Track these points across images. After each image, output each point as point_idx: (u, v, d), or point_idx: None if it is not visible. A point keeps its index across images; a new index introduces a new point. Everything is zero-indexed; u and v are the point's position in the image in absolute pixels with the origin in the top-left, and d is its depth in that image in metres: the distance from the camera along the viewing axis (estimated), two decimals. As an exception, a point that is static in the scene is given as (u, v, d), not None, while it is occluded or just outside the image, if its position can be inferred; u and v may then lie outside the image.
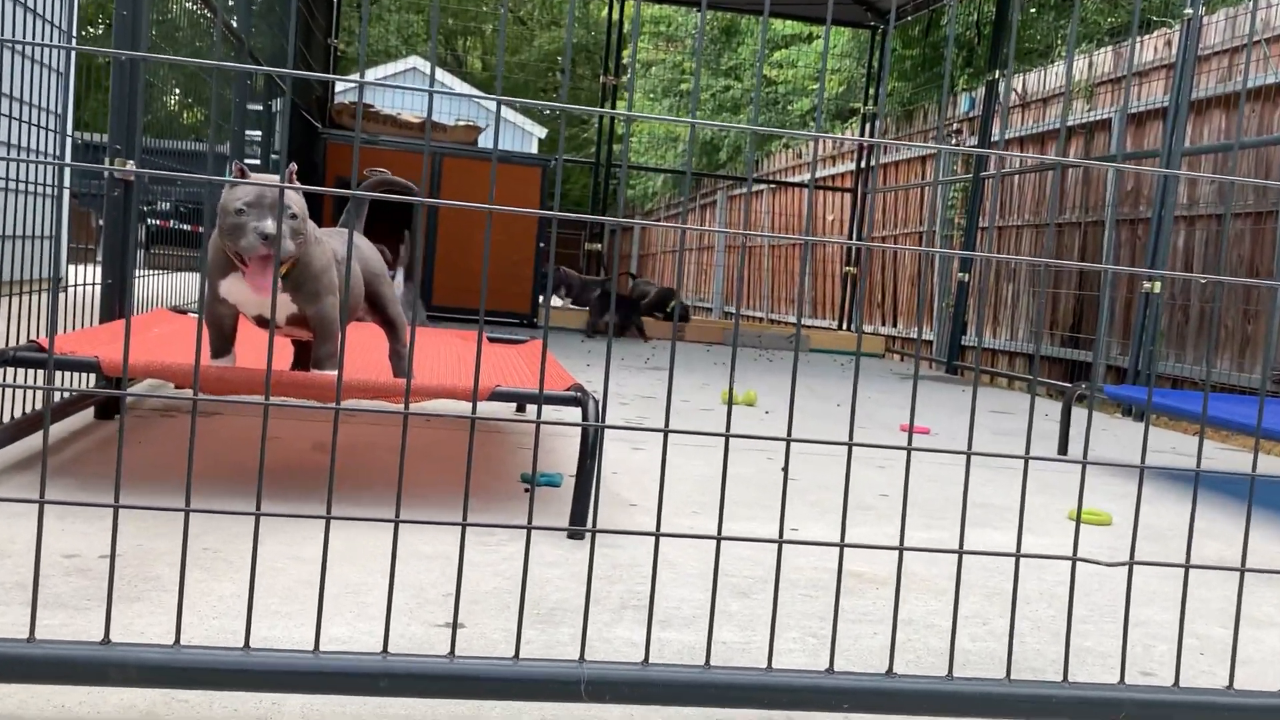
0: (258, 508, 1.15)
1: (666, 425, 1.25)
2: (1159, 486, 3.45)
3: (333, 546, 1.94)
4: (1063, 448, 3.91)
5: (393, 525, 1.35)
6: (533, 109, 25.27)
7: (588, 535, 2.16)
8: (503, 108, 20.25)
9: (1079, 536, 1.13)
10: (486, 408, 3.82)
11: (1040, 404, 6.02)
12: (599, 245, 9.60)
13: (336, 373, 2.29)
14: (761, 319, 13.01)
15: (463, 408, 3.45)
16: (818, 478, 3.06)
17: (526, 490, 2.55)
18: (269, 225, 1.96)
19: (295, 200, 2.06)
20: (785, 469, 1.16)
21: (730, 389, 1.18)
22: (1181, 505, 3.15)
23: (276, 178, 2.00)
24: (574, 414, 3.77)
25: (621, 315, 8.00)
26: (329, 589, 1.70)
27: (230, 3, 4.94)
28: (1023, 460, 3.73)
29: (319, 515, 1.12)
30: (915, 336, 9.52)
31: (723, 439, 3.45)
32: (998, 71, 7.54)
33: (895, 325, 10.16)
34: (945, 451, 1.21)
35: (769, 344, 8.93)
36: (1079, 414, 5.28)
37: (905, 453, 3.57)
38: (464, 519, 1.18)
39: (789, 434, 1.27)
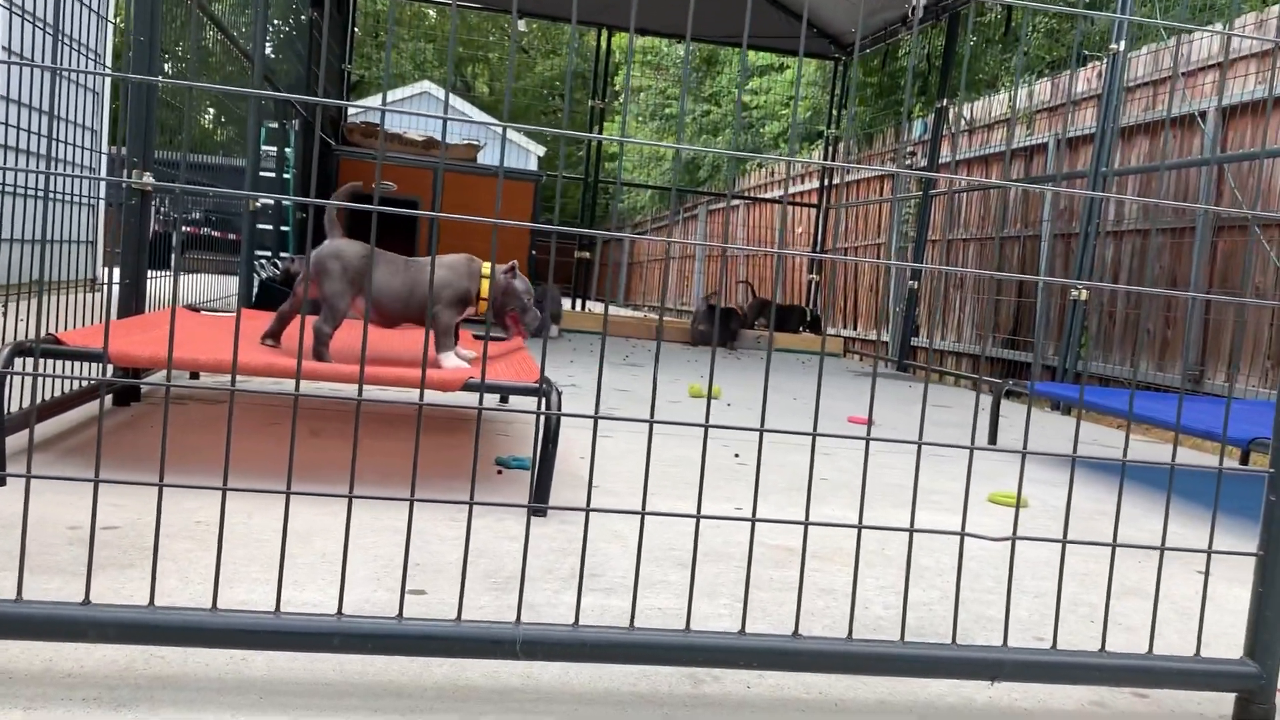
0: (288, 486, 1.16)
1: (652, 415, 1.26)
2: (1080, 474, 3.48)
3: (313, 523, 1.95)
4: (992, 438, 3.93)
5: (346, 501, 1.37)
6: (534, 132, 25.27)
7: (551, 512, 2.18)
8: (506, 130, 20.24)
9: (966, 515, 1.15)
10: (469, 399, 3.82)
11: (975, 399, 6.04)
12: (588, 254, 9.60)
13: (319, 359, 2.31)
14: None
15: (442, 399, 3.46)
16: (765, 462, 3.07)
17: (500, 472, 2.57)
18: None
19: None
20: (758, 457, 1.18)
21: (710, 384, 1.19)
22: (1097, 490, 3.17)
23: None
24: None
25: (721, 327, 8.33)
26: (307, 559, 1.71)
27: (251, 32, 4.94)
28: (960, 450, 3.75)
29: (279, 490, 1.14)
30: (875, 338, 9.55)
31: (691, 428, 3.46)
32: (946, 100, 7.56)
33: (855, 328, 10.19)
34: (898, 441, 1.22)
35: (739, 345, 8.94)
36: (1009, 408, 5.31)
37: (857, 441, 3.59)
38: (411, 494, 1.19)
39: (761, 425, 1.28)
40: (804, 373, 6.80)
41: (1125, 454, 1.32)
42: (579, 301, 9.76)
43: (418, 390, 2.31)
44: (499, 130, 20.13)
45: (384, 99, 1.12)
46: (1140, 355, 6.22)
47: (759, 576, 1.88)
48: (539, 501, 2.15)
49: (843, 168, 1.23)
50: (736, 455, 3.13)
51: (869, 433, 1.28)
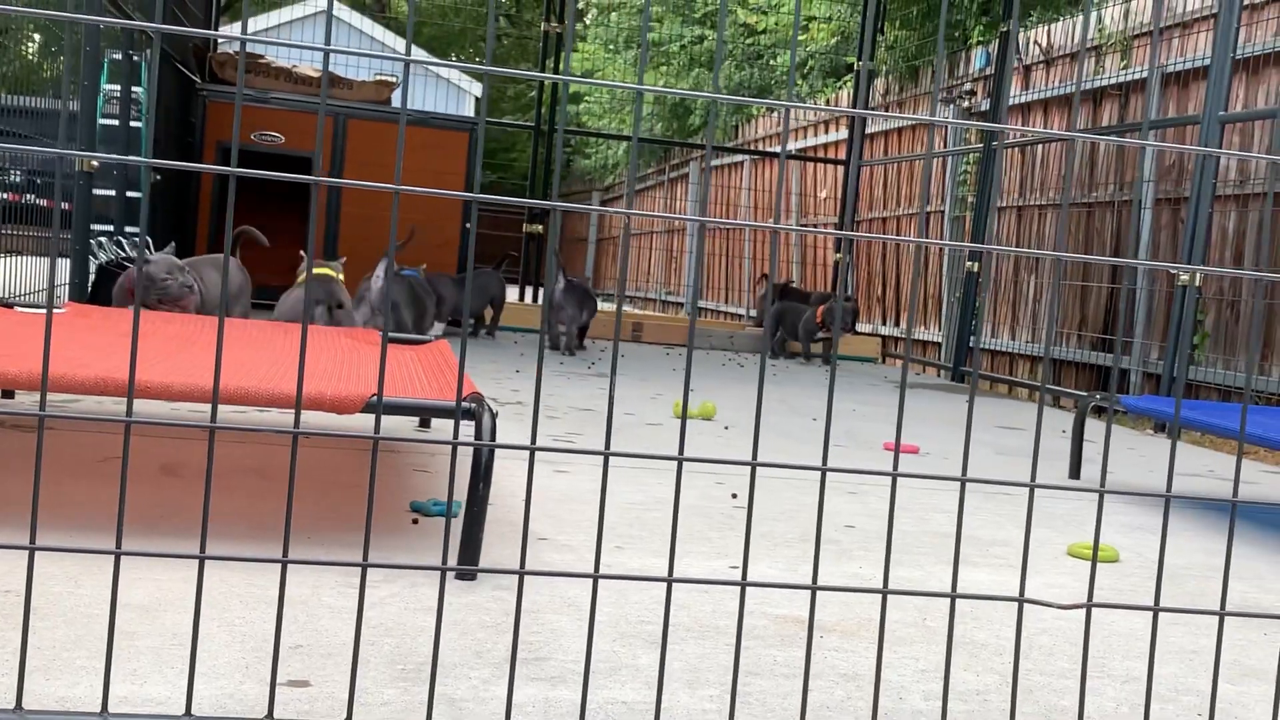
0: (118, 544, 1.16)
1: (607, 446, 1.27)
2: (1185, 516, 3.51)
3: (163, 592, 1.94)
4: (1074, 470, 3.95)
5: (197, 562, 1.38)
6: (451, 67, 25.23)
7: (481, 576, 2.18)
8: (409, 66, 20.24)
9: (1025, 574, 1.15)
10: (370, 423, 3.82)
11: (1058, 418, 6.08)
12: (539, 226, 9.61)
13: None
14: (741, 316, 13.06)
15: (341, 423, 3.46)
16: (772, 506, 3.09)
17: (416, 521, 2.57)
18: None
19: None
20: (750, 498, 1.18)
21: (685, 398, 1.20)
22: (1207, 539, 3.20)
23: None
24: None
25: (788, 329, 8.34)
26: (152, 640, 1.71)
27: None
28: (1027, 488, 3.78)
29: (103, 550, 1.13)
30: (921, 337, 9.59)
31: (674, 463, 3.47)
32: (1013, 21, 7.62)
33: (898, 324, 10.24)
34: (934, 477, 1.23)
35: (742, 345, 8.96)
36: (1099, 428, 5.34)
37: (889, 478, 3.60)
38: (284, 553, 1.19)
39: (754, 456, 1.29)
40: (833, 385, 6.82)
41: (1236, 491, 1.33)
42: (526, 290, 9.78)
43: (302, 415, 2.31)
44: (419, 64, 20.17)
45: (244, 26, 1.12)
46: (1266, 359, 6.30)
47: (759, 658, 1.89)
48: (466, 560, 2.15)
49: (861, 117, 1.25)
50: (734, 495, 3.14)
51: (895, 464, 1.29)
